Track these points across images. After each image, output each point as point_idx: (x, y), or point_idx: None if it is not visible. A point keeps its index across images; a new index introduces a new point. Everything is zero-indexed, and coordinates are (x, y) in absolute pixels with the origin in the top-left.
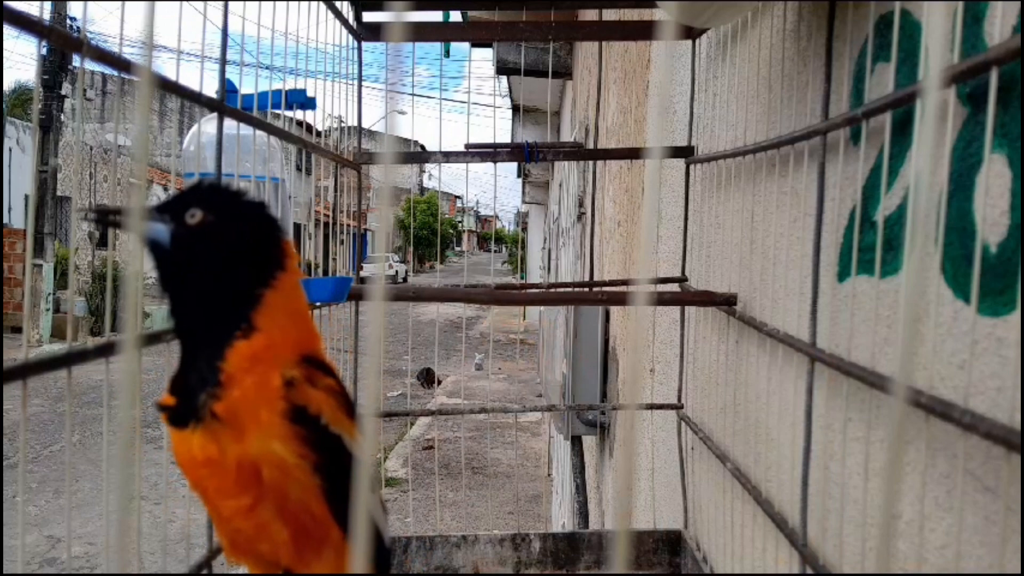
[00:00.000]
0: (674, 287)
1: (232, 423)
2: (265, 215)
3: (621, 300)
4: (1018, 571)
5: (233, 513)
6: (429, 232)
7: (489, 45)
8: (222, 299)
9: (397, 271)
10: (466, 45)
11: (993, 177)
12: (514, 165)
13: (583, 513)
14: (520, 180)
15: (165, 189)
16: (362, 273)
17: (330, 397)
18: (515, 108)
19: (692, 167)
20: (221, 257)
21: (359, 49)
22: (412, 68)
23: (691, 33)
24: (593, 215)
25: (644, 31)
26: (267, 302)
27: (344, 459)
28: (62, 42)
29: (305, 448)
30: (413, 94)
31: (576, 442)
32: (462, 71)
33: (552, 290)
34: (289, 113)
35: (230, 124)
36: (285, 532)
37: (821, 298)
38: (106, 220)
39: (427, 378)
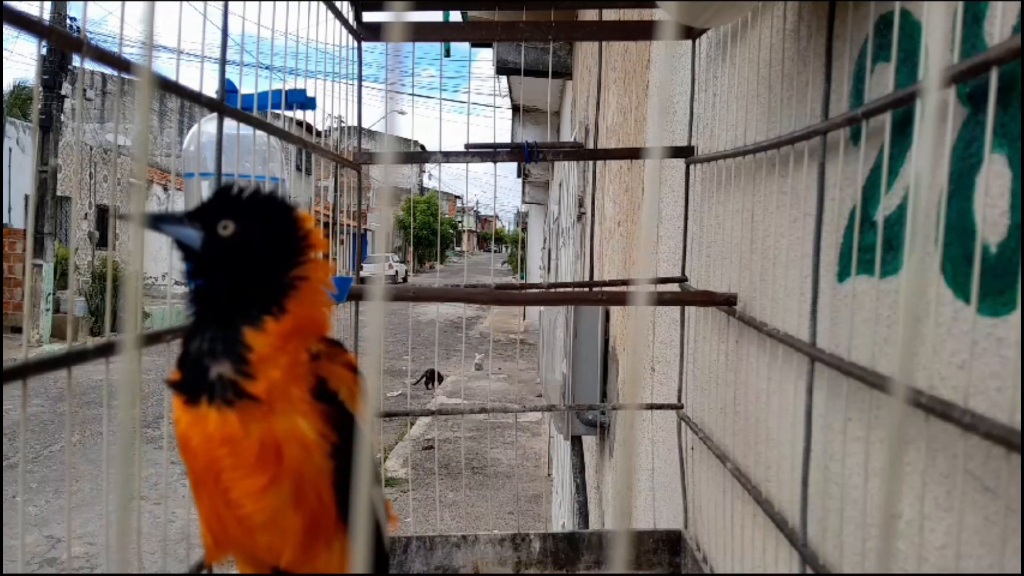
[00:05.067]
0: (674, 287)
1: (269, 403)
2: (291, 218)
3: (621, 300)
4: (1018, 571)
5: (245, 494)
6: (429, 232)
7: (489, 45)
8: (248, 291)
9: (397, 271)
10: (466, 45)
11: (993, 177)
12: (514, 165)
13: (583, 513)
14: (520, 180)
15: (165, 189)
16: (362, 273)
17: (348, 373)
18: (515, 108)
19: (692, 167)
20: (250, 261)
21: (359, 49)
22: (412, 68)
23: (691, 33)
24: (593, 215)
25: (644, 31)
26: (298, 289)
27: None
28: (62, 42)
29: (326, 427)
30: (413, 94)
31: (576, 442)
32: (462, 71)
33: (552, 290)
34: (289, 113)
35: (230, 124)
36: (297, 520)
37: (821, 298)
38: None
39: (430, 378)
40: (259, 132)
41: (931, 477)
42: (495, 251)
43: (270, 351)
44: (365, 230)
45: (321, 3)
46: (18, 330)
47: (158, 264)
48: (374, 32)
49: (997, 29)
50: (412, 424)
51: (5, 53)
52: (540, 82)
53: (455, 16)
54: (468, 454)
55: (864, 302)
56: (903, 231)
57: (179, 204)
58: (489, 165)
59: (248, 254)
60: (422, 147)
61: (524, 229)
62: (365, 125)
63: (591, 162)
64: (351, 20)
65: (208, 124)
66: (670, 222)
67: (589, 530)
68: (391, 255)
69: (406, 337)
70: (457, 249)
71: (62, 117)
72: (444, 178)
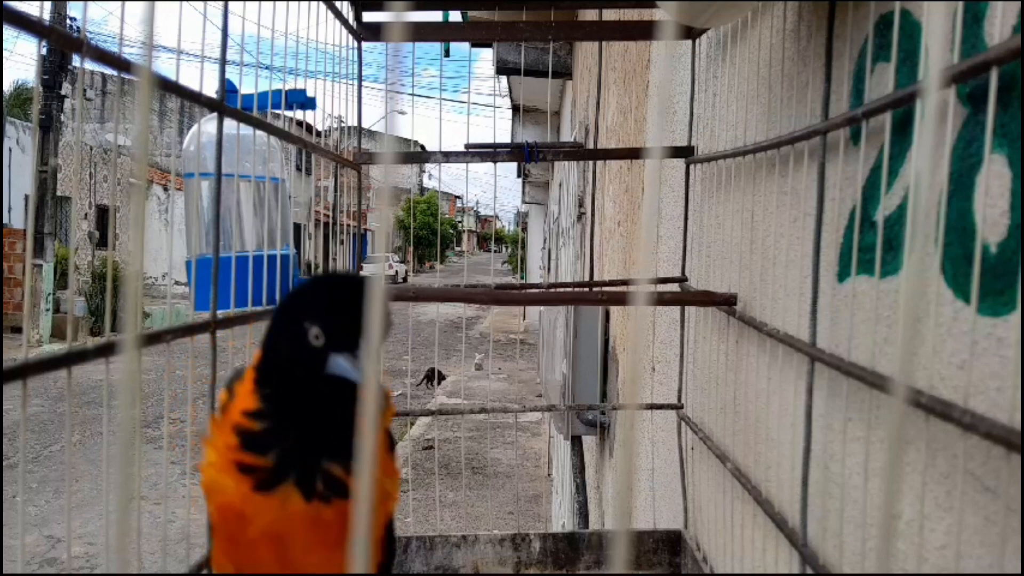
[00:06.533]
0: (674, 287)
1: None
2: None
3: (621, 300)
4: (1018, 571)
5: (320, 567)
6: (429, 232)
7: (489, 45)
8: None
9: (397, 271)
10: (466, 45)
11: (993, 177)
12: (514, 165)
13: (583, 513)
14: (520, 180)
15: (165, 189)
16: (362, 273)
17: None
18: (515, 108)
19: (692, 167)
20: None
21: (359, 49)
22: (412, 68)
23: (691, 33)
24: (593, 215)
25: (644, 31)
26: None
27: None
28: (62, 42)
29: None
30: (413, 94)
31: (576, 442)
32: (462, 71)
33: (552, 290)
34: (289, 113)
35: (230, 124)
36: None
37: (821, 298)
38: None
39: (430, 376)
40: (259, 132)
41: (931, 477)
42: (495, 251)
43: (379, 447)
44: (365, 230)
45: (321, 3)
46: (18, 330)
47: (158, 264)
48: (374, 32)
49: (997, 29)
50: (412, 424)
51: (5, 53)
52: (540, 82)
53: (455, 16)
54: (468, 454)
55: (864, 302)
56: (903, 231)
57: (179, 204)
58: (489, 165)
59: None
60: (422, 147)
61: (524, 229)
62: (365, 125)
63: (591, 162)
64: (351, 20)
65: (208, 124)
66: (670, 222)
67: (589, 530)
68: (391, 255)
69: (406, 337)
70: (457, 249)
71: (62, 117)
72: (444, 178)
